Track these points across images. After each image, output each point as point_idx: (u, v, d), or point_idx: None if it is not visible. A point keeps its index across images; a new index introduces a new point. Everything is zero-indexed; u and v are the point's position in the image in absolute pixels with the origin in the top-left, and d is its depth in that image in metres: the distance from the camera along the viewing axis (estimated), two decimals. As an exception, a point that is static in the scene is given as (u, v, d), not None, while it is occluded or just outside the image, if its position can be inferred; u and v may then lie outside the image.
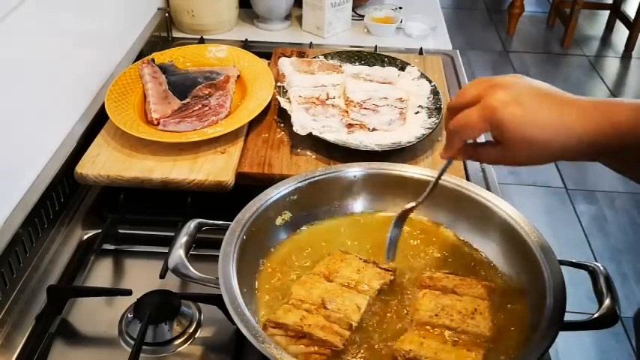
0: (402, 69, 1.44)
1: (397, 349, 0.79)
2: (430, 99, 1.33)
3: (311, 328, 0.80)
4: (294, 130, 1.20)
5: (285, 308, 0.83)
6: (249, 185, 1.13)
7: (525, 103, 0.71)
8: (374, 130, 1.23)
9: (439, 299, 0.85)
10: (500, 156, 0.75)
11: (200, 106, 1.25)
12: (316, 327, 0.80)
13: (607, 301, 0.82)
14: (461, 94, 0.77)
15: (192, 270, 0.85)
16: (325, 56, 1.48)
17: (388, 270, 0.91)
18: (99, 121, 1.24)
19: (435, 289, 0.88)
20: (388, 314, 0.87)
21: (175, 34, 1.73)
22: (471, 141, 0.79)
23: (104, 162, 1.13)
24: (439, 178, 0.88)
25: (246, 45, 1.65)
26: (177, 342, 0.91)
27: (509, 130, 0.71)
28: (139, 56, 1.48)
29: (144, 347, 0.87)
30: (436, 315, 0.83)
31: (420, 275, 0.91)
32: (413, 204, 0.91)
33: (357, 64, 1.47)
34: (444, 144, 0.80)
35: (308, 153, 1.20)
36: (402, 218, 0.93)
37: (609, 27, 4.76)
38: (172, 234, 1.00)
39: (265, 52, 1.54)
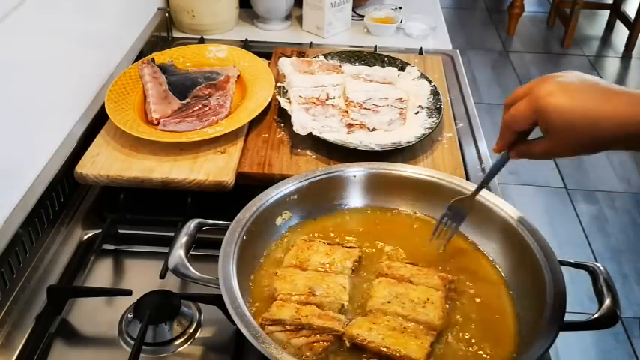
0: (402, 69, 1.44)
1: (345, 333, 0.81)
2: (430, 99, 1.33)
3: (309, 319, 0.82)
4: (294, 130, 1.20)
5: (277, 304, 0.84)
6: (249, 185, 1.13)
7: (571, 91, 0.72)
8: (374, 130, 1.23)
9: (393, 287, 0.87)
10: (547, 147, 0.76)
11: (200, 106, 1.25)
12: (313, 316, 0.82)
13: (607, 301, 0.83)
14: (515, 91, 0.79)
15: (192, 270, 0.85)
16: (325, 56, 1.48)
17: (354, 247, 0.95)
18: (99, 121, 1.24)
19: (391, 277, 0.89)
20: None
21: (175, 34, 1.73)
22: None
23: (104, 162, 1.13)
24: (494, 172, 0.88)
25: (246, 45, 1.65)
26: (177, 342, 0.91)
27: (553, 117, 0.72)
28: (139, 56, 1.48)
29: (144, 347, 0.87)
30: (388, 302, 0.85)
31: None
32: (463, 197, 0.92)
33: (357, 64, 1.47)
34: (497, 137, 0.82)
35: (308, 153, 1.20)
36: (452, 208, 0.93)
37: (609, 27, 4.76)
38: (172, 234, 1.00)
39: (265, 52, 1.54)
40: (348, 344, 0.80)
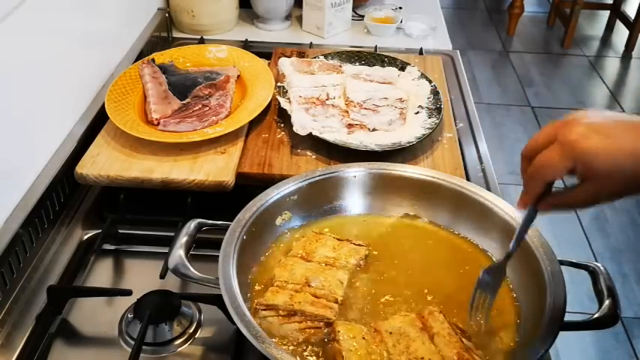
0: (402, 69, 1.44)
1: (334, 325, 0.81)
2: (430, 99, 1.33)
3: (301, 305, 0.83)
4: (294, 131, 1.20)
5: (272, 290, 0.85)
6: (249, 185, 1.13)
7: (605, 131, 0.67)
8: (374, 130, 1.23)
9: (410, 327, 0.82)
10: (590, 194, 0.70)
11: (200, 106, 1.25)
12: (306, 303, 0.83)
13: (607, 301, 0.82)
14: (534, 138, 0.73)
15: (192, 270, 0.85)
16: (325, 56, 1.48)
17: (362, 245, 0.95)
18: (99, 121, 1.24)
19: (422, 321, 0.83)
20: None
21: (175, 34, 1.74)
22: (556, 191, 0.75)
23: (104, 162, 1.13)
24: (524, 231, 0.80)
25: (246, 45, 1.65)
26: (177, 342, 0.91)
27: (597, 161, 0.66)
28: (139, 56, 1.48)
29: (144, 347, 0.87)
30: (390, 333, 0.81)
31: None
32: (497, 262, 0.86)
33: (357, 64, 1.47)
34: (521, 192, 0.75)
35: (308, 153, 1.20)
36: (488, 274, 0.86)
37: (609, 27, 4.76)
38: (172, 234, 1.00)
39: (265, 52, 1.54)
40: (324, 330, 0.81)
